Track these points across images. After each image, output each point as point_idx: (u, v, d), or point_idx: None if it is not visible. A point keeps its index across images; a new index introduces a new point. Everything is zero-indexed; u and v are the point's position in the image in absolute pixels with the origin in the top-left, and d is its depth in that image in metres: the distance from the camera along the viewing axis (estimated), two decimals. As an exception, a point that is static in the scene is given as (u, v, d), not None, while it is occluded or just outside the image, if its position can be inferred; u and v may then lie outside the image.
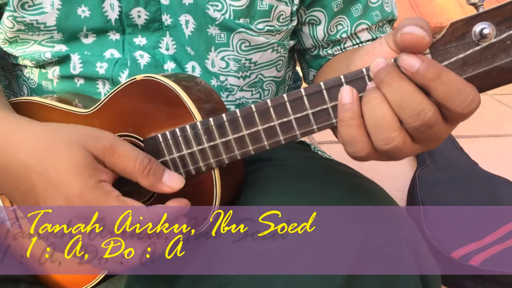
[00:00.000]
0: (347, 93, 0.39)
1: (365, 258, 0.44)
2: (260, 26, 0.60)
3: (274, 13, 0.60)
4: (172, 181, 0.45)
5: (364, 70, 0.40)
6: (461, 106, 0.36)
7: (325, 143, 1.37)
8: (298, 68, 0.79)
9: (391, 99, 0.38)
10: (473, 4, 0.38)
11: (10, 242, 0.62)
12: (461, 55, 0.37)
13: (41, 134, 0.44)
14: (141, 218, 0.42)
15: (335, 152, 0.80)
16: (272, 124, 0.43)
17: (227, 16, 0.58)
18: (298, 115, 0.42)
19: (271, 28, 0.61)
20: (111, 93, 0.51)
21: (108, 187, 0.43)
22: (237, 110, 0.44)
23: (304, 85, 0.80)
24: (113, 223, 0.42)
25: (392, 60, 0.38)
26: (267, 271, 0.46)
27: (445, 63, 0.37)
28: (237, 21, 0.59)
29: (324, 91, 0.41)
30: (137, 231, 0.42)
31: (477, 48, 0.36)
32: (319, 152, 0.75)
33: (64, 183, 0.41)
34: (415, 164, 1.27)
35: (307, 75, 0.73)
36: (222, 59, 0.61)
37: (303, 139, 0.75)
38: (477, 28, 0.36)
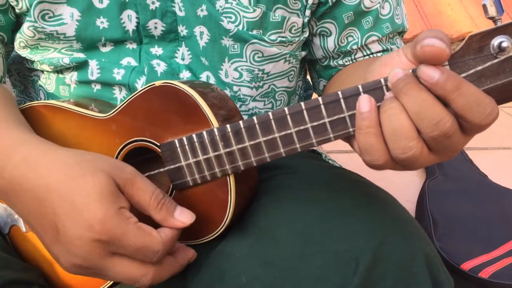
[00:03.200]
0: (365, 102, 0.40)
1: (377, 267, 0.44)
2: (273, 37, 0.61)
3: (286, 24, 0.61)
4: (183, 216, 0.46)
5: (382, 80, 0.40)
6: (480, 117, 0.37)
7: (333, 152, 1.38)
8: (309, 77, 0.79)
9: (409, 108, 0.38)
10: (492, 18, 0.38)
11: (22, 244, 0.63)
12: (479, 68, 0.37)
13: (67, 160, 0.45)
14: (156, 248, 0.44)
15: (342, 161, 0.81)
16: (289, 131, 0.43)
17: (240, 27, 0.59)
18: (315, 123, 0.42)
19: (284, 39, 0.62)
20: (129, 98, 0.52)
21: (128, 213, 0.44)
22: (254, 118, 0.44)
23: (314, 94, 0.80)
24: (128, 252, 0.44)
25: (410, 71, 0.39)
26: (278, 279, 0.46)
27: (463, 75, 0.38)
28: (250, 32, 0.60)
29: (342, 100, 0.41)
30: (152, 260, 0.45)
31: (495, 61, 0.37)
32: (330, 161, 0.75)
33: (87, 208, 0.42)
34: (423, 174, 1.27)
35: (317, 85, 0.74)
36: (236, 69, 0.62)
37: (314, 147, 0.76)
38: (495, 41, 0.37)
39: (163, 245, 0.44)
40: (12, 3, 0.59)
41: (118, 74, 0.60)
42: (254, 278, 0.47)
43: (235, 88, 0.63)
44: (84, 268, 0.44)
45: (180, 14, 0.59)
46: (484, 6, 0.38)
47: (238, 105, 0.64)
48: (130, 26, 0.59)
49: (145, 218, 0.46)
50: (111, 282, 0.58)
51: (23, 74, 0.69)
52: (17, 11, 0.60)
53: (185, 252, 0.50)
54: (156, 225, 0.46)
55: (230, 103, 0.51)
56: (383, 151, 0.40)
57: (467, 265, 0.90)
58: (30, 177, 0.45)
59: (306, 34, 0.64)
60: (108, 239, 0.42)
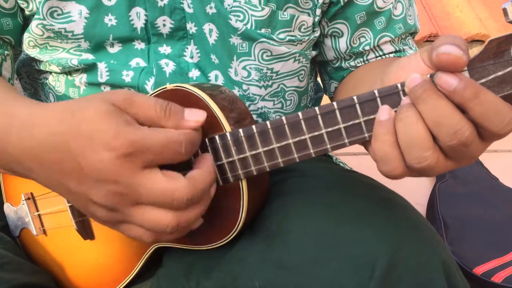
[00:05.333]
0: (384, 111, 0.39)
1: (393, 272, 0.43)
2: (282, 36, 0.60)
3: (295, 23, 0.60)
4: (194, 115, 0.44)
5: (399, 85, 0.40)
6: (499, 126, 0.36)
7: (342, 154, 1.37)
8: (319, 79, 0.79)
9: (427, 117, 0.37)
10: None
11: (33, 247, 0.63)
12: (499, 73, 0.36)
13: (64, 105, 0.44)
14: (179, 139, 0.42)
15: (352, 164, 0.80)
16: (303, 137, 0.43)
17: (248, 26, 0.59)
18: (329, 129, 0.42)
19: (293, 38, 0.61)
20: (141, 102, 0.51)
21: (137, 124, 0.42)
22: (268, 122, 0.44)
23: (324, 97, 0.80)
24: (154, 153, 0.41)
25: (428, 75, 0.38)
26: (291, 284, 0.46)
27: (483, 80, 0.37)
28: (258, 31, 0.59)
29: (357, 105, 0.41)
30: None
31: None
32: (340, 164, 0.75)
33: (98, 130, 0.40)
34: (434, 177, 1.26)
35: (328, 87, 0.73)
36: (244, 68, 0.62)
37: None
38: None
39: (183, 134, 0.42)
40: (22, 5, 0.59)
41: (127, 76, 0.60)
42: (267, 283, 0.47)
43: (244, 87, 0.63)
44: (119, 196, 0.41)
45: (189, 11, 0.59)
46: (505, 10, 0.37)
47: (247, 104, 0.64)
48: (139, 23, 0.59)
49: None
50: (122, 286, 0.58)
51: (33, 77, 0.69)
52: (26, 13, 0.60)
53: (205, 158, 0.46)
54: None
55: (239, 104, 0.51)
56: (399, 161, 0.39)
57: (479, 270, 0.90)
58: (36, 132, 0.44)
59: (317, 34, 0.64)
60: (130, 149, 0.40)
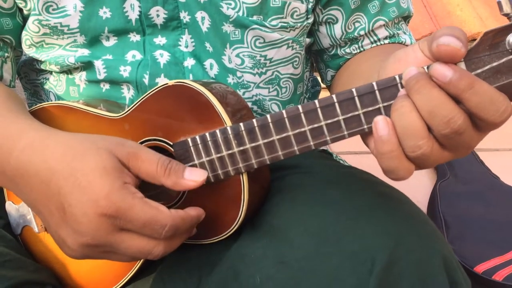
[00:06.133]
0: (382, 124, 0.40)
1: (394, 267, 0.43)
2: (274, 22, 0.61)
3: (287, 9, 0.60)
4: (195, 175, 0.46)
5: (397, 77, 0.40)
6: (494, 115, 0.37)
7: (342, 153, 1.37)
8: (317, 75, 0.79)
9: (421, 107, 0.38)
10: (506, 15, 0.38)
11: (34, 245, 0.63)
12: (494, 64, 0.37)
13: (69, 142, 0.46)
14: (164, 222, 0.43)
15: (351, 162, 0.80)
16: (302, 129, 0.43)
17: (240, 13, 0.59)
18: (329, 121, 0.42)
19: (285, 24, 0.61)
20: (142, 97, 0.52)
21: (133, 188, 0.44)
22: (268, 116, 0.44)
23: (321, 92, 0.80)
24: (136, 226, 0.43)
25: (426, 67, 0.39)
26: (292, 279, 0.46)
27: (479, 71, 0.37)
28: (250, 18, 0.59)
29: (356, 98, 0.41)
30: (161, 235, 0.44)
31: (511, 57, 0.37)
32: (340, 161, 0.75)
33: (92, 185, 0.42)
34: (434, 176, 1.26)
35: (325, 75, 0.73)
36: (237, 55, 0.62)
37: (325, 147, 0.75)
38: (510, 37, 0.36)
39: (172, 219, 0.43)
40: (20, 5, 0.59)
41: (125, 71, 0.60)
42: (268, 279, 0.47)
43: (239, 74, 0.63)
44: (92, 247, 0.44)
45: (181, 0, 0.59)
46: (499, 3, 0.38)
47: (241, 92, 0.64)
48: (133, 15, 0.59)
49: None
50: (124, 282, 0.58)
51: (28, 79, 0.70)
52: (25, 12, 0.60)
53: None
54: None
55: (235, 98, 0.51)
56: (407, 168, 0.40)
57: (480, 268, 0.90)
58: (35, 161, 0.45)
59: (311, 20, 0.64)
60: (115, 213, 0.42)
